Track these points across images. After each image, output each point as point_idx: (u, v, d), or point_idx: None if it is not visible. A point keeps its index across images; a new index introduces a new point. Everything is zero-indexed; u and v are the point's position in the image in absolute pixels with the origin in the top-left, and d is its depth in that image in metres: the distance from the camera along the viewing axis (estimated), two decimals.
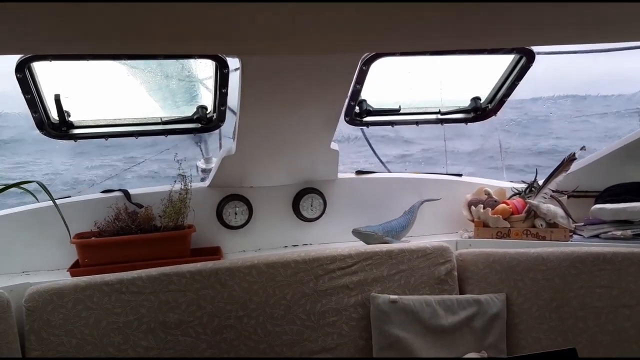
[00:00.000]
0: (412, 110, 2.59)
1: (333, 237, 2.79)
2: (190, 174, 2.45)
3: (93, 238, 2.31)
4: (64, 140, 2.24)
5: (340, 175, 2.80)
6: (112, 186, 2.57)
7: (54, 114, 2.15)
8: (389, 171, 3.16)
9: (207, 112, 2.31)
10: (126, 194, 2.49)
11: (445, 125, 2.74)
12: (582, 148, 2.68)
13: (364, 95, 2.45)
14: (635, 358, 2.09)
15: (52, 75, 2.02)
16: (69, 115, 2.17)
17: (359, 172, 2.89)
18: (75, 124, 2.21)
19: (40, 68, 1.98)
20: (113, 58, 1.99)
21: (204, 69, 2.22)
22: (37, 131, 2.18)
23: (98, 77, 2.12)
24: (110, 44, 1.47)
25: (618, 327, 2.13)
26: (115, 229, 2.32)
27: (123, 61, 2.04)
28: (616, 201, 2.55)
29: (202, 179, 2.92)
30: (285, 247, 2.75)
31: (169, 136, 2.35)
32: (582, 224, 2.61)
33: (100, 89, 2.19)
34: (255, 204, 2.65)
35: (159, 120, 2.29)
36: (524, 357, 1.16)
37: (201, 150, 3.64)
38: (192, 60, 2.17)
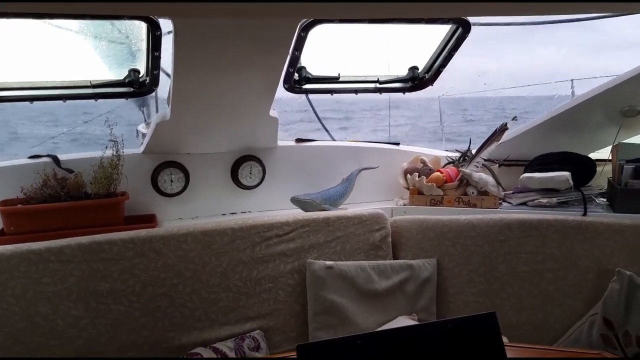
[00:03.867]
0: (351, 79, 2.59)
1: (272, 205, 2.79)
2: (123, 140, 2.37)
3: (19, 205, 2.22)
4: None
5: (280, 143, 2.78)
6: (40, 152, 2.47)
7: None
8: (334, 139, 3.18)
9: (140, 75, 2.24)
10: (55, 159, 2.40)
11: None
12: (514, 118, 2.77)
13: (303, 62, 2.43)
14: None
15: None
16: None
17: (298, 140, 2.88)
18: None
19: None
20: (36, 17, 1.87)
21: (137, 30, 2.13)
22: None
23: (21, 37, 2.00)
24: (32, 3, 1.38)
25: (542, 290, 2.24)
26: (43, 195, 2.24)
27: (47, 20, 1.93)
28: (544, 170, 2.66)
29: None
30: (224, 214, 2.74)
31: (100, 100, 2.27)
32: (511, 192, 2.72)
33: (24, 50, 2.07)
34: (192, 171, 2.61)
35: (89, 84, 2.19)
36: (444, 322, 1.21)
37: (143, 114, 3.53)
38: (123, 21, 2.07)
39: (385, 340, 1.16)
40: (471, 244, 2.33)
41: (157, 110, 3.05)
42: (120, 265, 2.01)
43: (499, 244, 2.31)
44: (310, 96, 2.88)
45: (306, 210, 2.56)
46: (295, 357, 1.09)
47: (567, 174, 2.57)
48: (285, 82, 2.43)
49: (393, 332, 1.24)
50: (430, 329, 1.21)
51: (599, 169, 2.72)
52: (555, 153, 2.75)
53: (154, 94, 2.44)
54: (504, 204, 2.67)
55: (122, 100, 2.39)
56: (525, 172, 2.73)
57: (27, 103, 2.15)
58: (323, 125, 3.46)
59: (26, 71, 2.13)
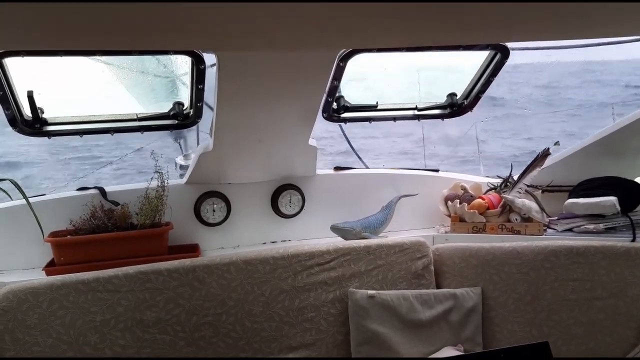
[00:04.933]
0: (390, 107, 2.60)
1: (312, 233, 2.80)
2: (168, 170, 2.43)
3: (68, 236, 2.29)
4: (38, 137, 2.20)
5: (319, 172, 2.80)
6: (87, 184, 2.54)
7: (27, 111, 2.11)
8: (367, 167, 3.18)
9: (184, 108, 2.30)
10: (102, 191, 2.47)
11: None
12: (556, 143, 2.73)
13: (341, 91, 2.45)
14: None
15: (24, 71, 1.99)
16: (43, 112, 2.13)
17: (337, 168, 2.90)
18: (49, 121, 2.17)
19: (13, 64, 1.94)
20: (87, 54, 1.96)
21: (181, 64, 2.20)
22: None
23: (72, 73, 2.09)
24: (85, 41, 1.45)
25: (591, 319, 2.17)
26: (91, 227, 2.30)
27: (97, 57, 2.01)
28: (589, 195, 2.60)
29: (181, 175, 2.91)
30: (264, 243, 2.75)
31: (145, 132, 2.33)
32: (556, 218, 2.66)
33: (75, 85, 2.16)
34: (233, 200, 2.64)
35: (135, 117, 2.26)
36: (496, 351, 1.18)
37: (180, 147, 3.61)
38: (168, 56, 2.15)
39: None
40: (516, 272, 2.28)
41: (198, 142, 3.12)
42: (166, 295, 2.04)
43: (545, 271, 2.25)
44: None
45: (346, 239, 2.55)
46: None
47: (613, 198, 2.50)
48: (324, 111, 2.46)
49: None
50: (482, 359, 1.19)
51: None
52: (600, 178, 2.69)
53: (194, 126, 2.49)
54: (549, 230, 2.61)
55: (157, 134, 2.46)
56: (569, 197, 2.68)
57: (77, 136, 2.23)
58: (357, 154, 3.47)
59: (76, 106, 2.22)
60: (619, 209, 2.50)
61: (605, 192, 2.58)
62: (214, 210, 2.60)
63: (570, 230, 2.58)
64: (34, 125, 2.14)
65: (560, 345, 2.17)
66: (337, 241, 2.45)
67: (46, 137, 2.20)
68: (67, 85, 2.14)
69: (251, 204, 2.70)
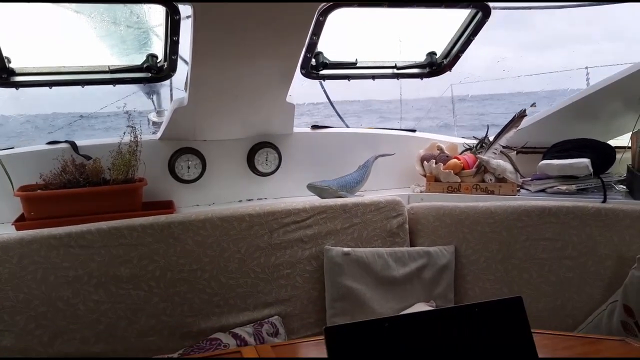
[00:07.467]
0: (369, 64, 2.57)
1: (288, 192, 2.79)
2: (141, 127, 2.38)
3: (39, 191, 2.23)
4: (4, 88, 2.12)
5: (296, 130, 2.78)
6: (58, 138, 2.47)
7: None
8: (347, 126, 3.16)
9: (158, 61, 2.23)
10: (73, 145, 2.41)
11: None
12: (533, 105, 2.74)
13: (320, 47, 2.41)
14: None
15: None
16: (10, 62, 2.05)
17: (314, 127, 2.88)
18: (17, 71, 2.09)
19: None
20: (55, 0, 1.87)
21: (155, 15, 2.13)
22: None
23: (41, 21, 2.00)
24: None
25: (560, 277, 2.23)
26: (62, 181, 2.24)
27: (67, 4, 1.93)
28: (563, 157, 2.63)
29: (154, 133, 2.85)
30: (240, 201, 2.74)
31: (118, 86, 2.27)
32: (530, 178, 2.70)
33: (44, 35, 2.07)
34: (208, 157, 2.61)
35: (107, 69, 2.19)
36: (471, 305, 1.20)
37: (153, 103, 3.53)
38: (141, 5, 2.07)
39: (411, 323, 1.15)
40: (489, 231, 2.32)
41: (171, 97, 3.05)
42: (140, 251, 2.02)
43: (517, 230, 2.29)
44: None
45: (322, 197, 2.55)
46: (321, 340, 1.09)
47: (586, 160, 2.54)
48: (302, 68, 2.42)
49: (419, 315, 1.24)
50: (456, 313, 1.21)
51: (618, 156, 2.69)
52: (574, 140, 2.72)
53: (167, 81, 2.43)
54: (522, 191, 2.65)
55: (130, 91, 2.39)
56: (543, 159, 2.71)
57: (46, 88, 2.15)
58: (337, 113, 3.45)
59: (45, 56, 2.13)
60: (591, 170, 2.54)
61: (578, 154, 2.61)
62: (188, 167, 2.56)
63: (543, 190, 2.62)
64: (0, 75, 2.06)
65: (529, 303, 2.20)
66: (314, 199, 2.44)
67: (14, 88, 2.12)
68: (35, 33, 2.05)
69: (227, 161, 2.67)
